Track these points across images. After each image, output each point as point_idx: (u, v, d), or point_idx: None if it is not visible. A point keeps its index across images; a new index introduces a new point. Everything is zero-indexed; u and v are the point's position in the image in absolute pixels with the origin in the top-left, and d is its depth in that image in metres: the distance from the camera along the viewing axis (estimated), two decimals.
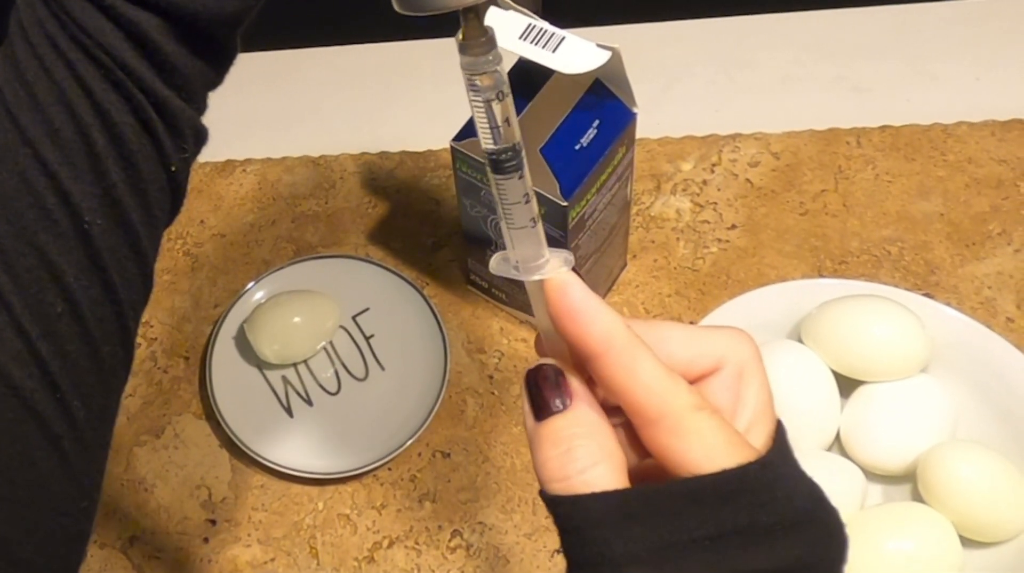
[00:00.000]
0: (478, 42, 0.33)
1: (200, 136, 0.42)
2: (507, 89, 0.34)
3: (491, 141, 0.34)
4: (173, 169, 0.40)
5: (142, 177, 0.39)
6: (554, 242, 0.64)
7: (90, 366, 0.39)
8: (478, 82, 0.33)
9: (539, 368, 0.35)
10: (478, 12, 0.34)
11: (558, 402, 0.34)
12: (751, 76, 0.85)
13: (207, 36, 0.39)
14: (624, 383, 0.33)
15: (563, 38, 0.60)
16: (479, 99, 0.34)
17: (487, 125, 0.34)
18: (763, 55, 0.86)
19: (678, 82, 0.85)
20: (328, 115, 0.86)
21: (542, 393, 0.34)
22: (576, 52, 0.59)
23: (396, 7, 0.35)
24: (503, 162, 0.34)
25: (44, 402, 0.37)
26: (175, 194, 0.41)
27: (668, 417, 0.32)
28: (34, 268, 0.37)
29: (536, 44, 0.60)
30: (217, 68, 0.41)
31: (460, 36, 0.34)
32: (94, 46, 0.37)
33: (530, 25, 0.60)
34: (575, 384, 0.34)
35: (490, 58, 0.33)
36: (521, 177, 0.35)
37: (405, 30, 0.88)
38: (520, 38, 0.60)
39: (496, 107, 0.34)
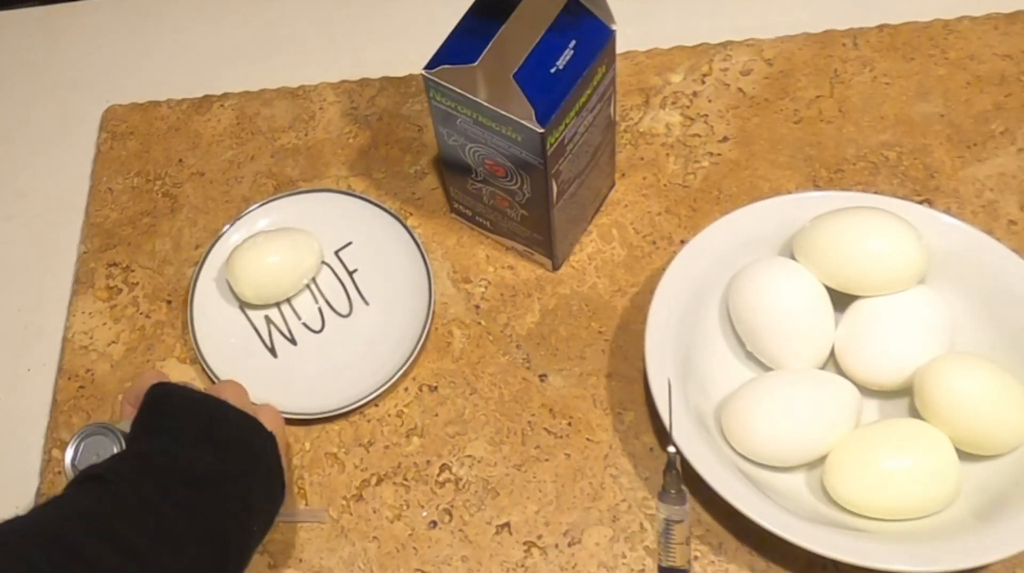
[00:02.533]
0: (670, 494, 0.49)
1: None
2: (690, 532, 0.54)
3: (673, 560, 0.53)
4: None
5: None
6: (531, 168, 0.61)
7: None
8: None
9: None
10: (676, 469, 0.53)
11: None
12: None
13: None
14: None
15: None
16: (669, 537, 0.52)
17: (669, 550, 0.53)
18: None
19: None
20: (306, 42, 0.84)
21: None
22: None
23: None
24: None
25: None
26: None
27: None
28: None
29: None
30: None
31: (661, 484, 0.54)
32: None
33: None
34: None
35: (680, 509, 0.51)
36: None
37: None
38: None
39: (679, 548, 0.51)
